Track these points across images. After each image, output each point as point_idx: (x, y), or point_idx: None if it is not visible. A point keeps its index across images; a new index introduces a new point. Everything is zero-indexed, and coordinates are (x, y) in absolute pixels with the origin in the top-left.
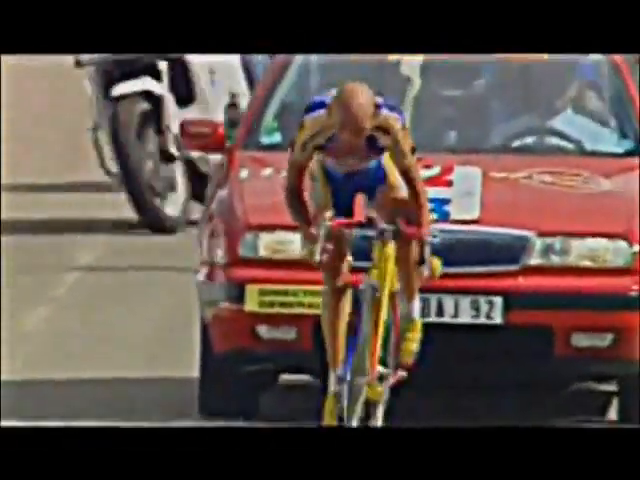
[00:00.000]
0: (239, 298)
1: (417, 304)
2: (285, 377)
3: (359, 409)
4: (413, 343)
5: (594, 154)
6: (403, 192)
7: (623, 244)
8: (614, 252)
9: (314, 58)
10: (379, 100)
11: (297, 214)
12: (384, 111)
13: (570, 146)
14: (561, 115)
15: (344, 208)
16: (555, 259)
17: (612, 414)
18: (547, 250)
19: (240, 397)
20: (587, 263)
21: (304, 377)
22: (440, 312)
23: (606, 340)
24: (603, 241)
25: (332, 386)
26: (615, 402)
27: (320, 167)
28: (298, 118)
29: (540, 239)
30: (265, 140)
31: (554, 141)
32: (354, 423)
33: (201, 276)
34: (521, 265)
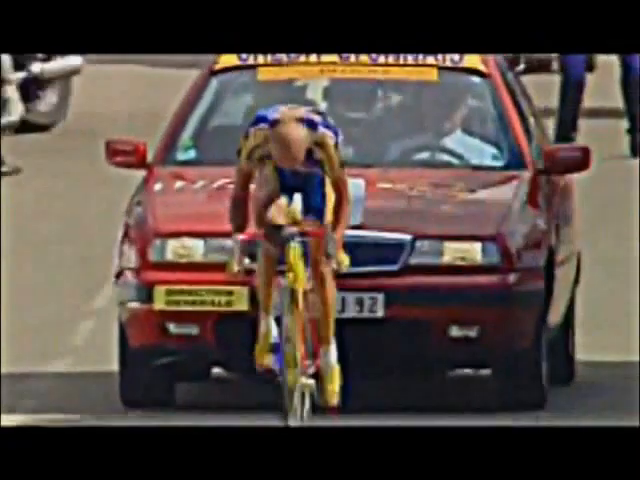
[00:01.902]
0: (149, 298)
1: (334, 350)
2: (217, 371)
3: (298, 399)
4: (335, 386)
5: (477, 168)
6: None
7: (492, 246)
8: (483, 253)
9: (229, 80)
10: (317, 118)
11: (234, 220)
12: (321, 128)
13: (457, 161)
14: (451, 134)
15: (289, 194)
16: (431, 259)
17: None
18: (423, 252)
19: (156, 388)
20: (459, 263)
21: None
22: None
23: (476, 331)
24: (474, 243)
25: (262, 328)
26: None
27: (272, 162)
28: (212, 137)
29: (418, 242)
30: (181, 157)
31: (444, 157)
32: (297, 414)
33: (117, 279)
34: (400, 265)
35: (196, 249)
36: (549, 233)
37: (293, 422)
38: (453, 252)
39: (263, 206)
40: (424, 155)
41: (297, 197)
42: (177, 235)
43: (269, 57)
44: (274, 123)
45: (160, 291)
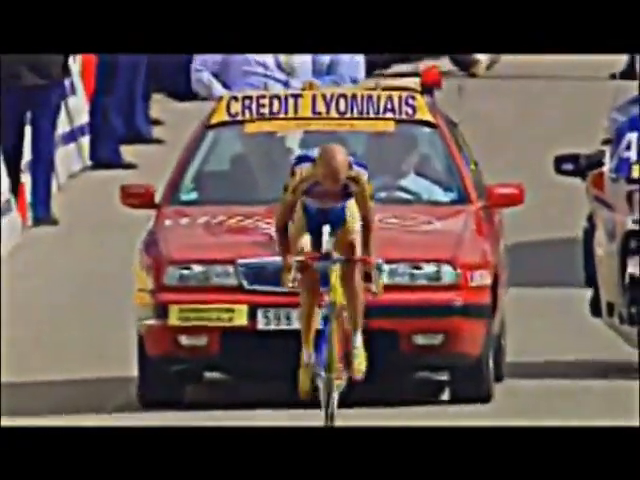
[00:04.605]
0: (164, 315)
1: (360, 335)
2: (208, 375)
3: (327, 397)
4: (361, 365)
5: (429, 203)
6: (355, 235)
7: (449, 268)
8: (442, 274)
9: (221, 132)
10: (351, 159)
11: (280, 244)
12: (355, 167)
13: (412, 198)
14: (406, 176)
15: (314, 232)
16: (400, 279)
17: (444, 397)
18: (393, 273)
19: (169, 390)
20: (423, 282)
21: (223, 376)
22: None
23: (438, 339)
24: (434, 266)
25: (305, 360)
26: (447, 388)
27: (302, 202)
28: (209, 181)
29: (387, 265)
30: (184, 197)
31: (401, 195)
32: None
33: (136, 300)
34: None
35: (202, 274)
36: (493, 256)
37: (325, 413)
38: (418, 273)
39: (294, 239)
40: (384, 194)
41: (325, 229)
42: (187, 262)
43: (254, 114)
44: (321, 152)
45: (174, 309)
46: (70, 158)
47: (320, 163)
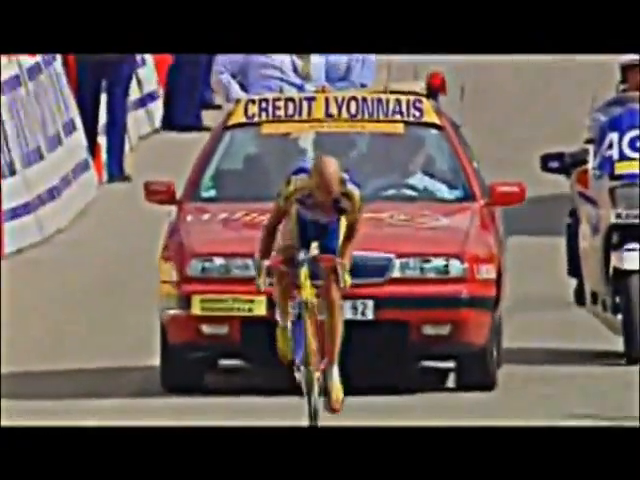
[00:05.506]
0: (187, 305)
1: (336, 370)
2: (223, 362)
3: (309, 394)
4: (338, 396)
5: (435, 201)
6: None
7: (457, 262)
8: (450, 267)
9: (238, 133)
10: (345, 176)
11: (264, 247)
12: (349, 184)
13: (419, 195)
14: (413, 175)
15: (306, 242)
16: (410, 273)
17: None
18: (404, 267)
19: (190, 376)
20: (432, 275)
21: (237, 362)
22: None
23: (446, 329)
24: (443, 260)
25: (281, 322)
26: (453, 377)
27: (296, 211)
28: (228, 179)
29: (399, 259)
30: (204, 194)
31: (408, 192)
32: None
33: (160, 291)
34: (386, 278)
35: (223, 266)
36: (497, 251)
37: (310, 404)
38: (427, 267)
39: (286, 240)
40: (392, 191)
41: (314, 245)
42: (209, 255)
43: (270, 116)
44: (315, 163)
45: (196, 300)
46: (140, 122)
47: (314, 174)
